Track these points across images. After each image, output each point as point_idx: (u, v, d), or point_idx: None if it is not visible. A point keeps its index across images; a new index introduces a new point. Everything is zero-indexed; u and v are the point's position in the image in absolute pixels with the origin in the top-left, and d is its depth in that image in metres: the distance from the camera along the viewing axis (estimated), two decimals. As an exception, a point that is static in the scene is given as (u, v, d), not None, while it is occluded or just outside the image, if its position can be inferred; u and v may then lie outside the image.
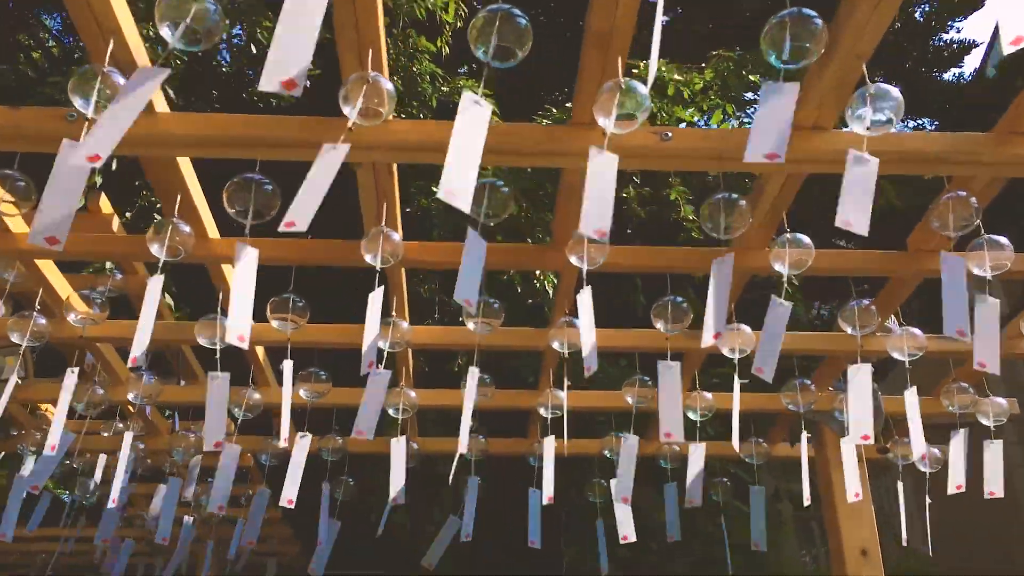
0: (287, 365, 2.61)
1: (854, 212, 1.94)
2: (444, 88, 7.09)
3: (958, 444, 3.08)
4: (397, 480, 2.79)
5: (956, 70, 10.63)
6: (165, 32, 1.87)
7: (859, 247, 7.16)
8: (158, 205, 5.74)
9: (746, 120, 8.78)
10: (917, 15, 11.61)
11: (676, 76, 6.69)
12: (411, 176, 6.39)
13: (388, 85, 2.07)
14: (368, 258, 2.55)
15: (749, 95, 8.85)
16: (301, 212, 1.90)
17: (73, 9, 2.01)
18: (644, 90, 2.09)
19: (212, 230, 2.78)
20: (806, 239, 2.56)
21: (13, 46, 7.44)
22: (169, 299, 5.61)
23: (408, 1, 6.77)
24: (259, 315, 2.79)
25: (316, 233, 3.12)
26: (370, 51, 2.09)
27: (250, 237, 2.82)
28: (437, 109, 6.80)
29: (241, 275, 2.12)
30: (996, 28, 12.88)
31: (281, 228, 1.89)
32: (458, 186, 1.80)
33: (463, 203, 1.77)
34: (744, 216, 2.40)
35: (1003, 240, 2.50)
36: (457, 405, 3.31)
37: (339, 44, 2.15)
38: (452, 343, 3.31)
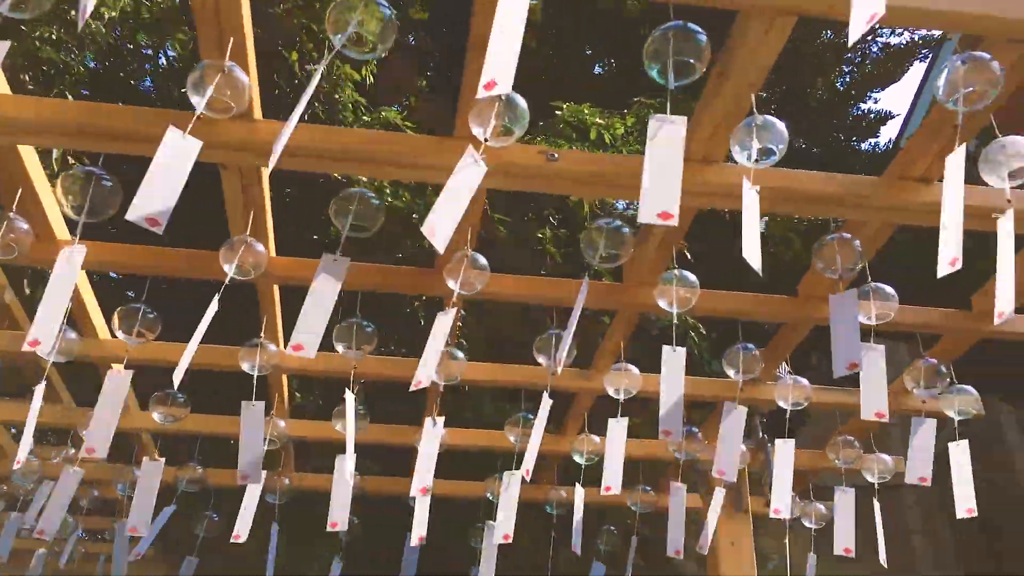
0: (115, 376, 2.36)
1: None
2: (366, 118, 6.95)
3: (844, 504, 2.95)
4: (244, 520, 2.56)
5: (873, 140, 10.91)
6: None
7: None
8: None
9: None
10: (839, 85, 11.96)
11: (598, 120, 6.68)
12: (315, 201, 6.19)
13: (244, 78, 1.90)
14: (226, 268, 2.34)
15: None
16: (149, 203, 1.71)
17: None
18: (523, 104, 1.98)
19: (61, 230, 2.54)
20: (692, 277, 2.46)
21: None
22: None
23: (336, 28, 6.63)
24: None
25: (193, 243, 2.92)
26: (231, 40, 1.93)
27: (107, 242, 2.60)
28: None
29: (58, 279, 1.90)
30: (913, 101, 13.32)
31: (130, 216, 1.69)
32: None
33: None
34: (627, 245, 2.28)
35: (889, 289, 2.44)
36: (336, 438, 3.10)
37: (199, 37, 1.98)
38: (327, 370, 3.10)
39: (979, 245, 2.15)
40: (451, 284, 2.42)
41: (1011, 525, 6.79)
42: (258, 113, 2.22)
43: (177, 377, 1.91)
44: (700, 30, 1.82)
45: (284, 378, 3.22)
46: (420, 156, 2.22)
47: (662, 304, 2.47)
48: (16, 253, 2.21)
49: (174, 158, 1.71)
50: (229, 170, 2.33)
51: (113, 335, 2.60)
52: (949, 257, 1.47)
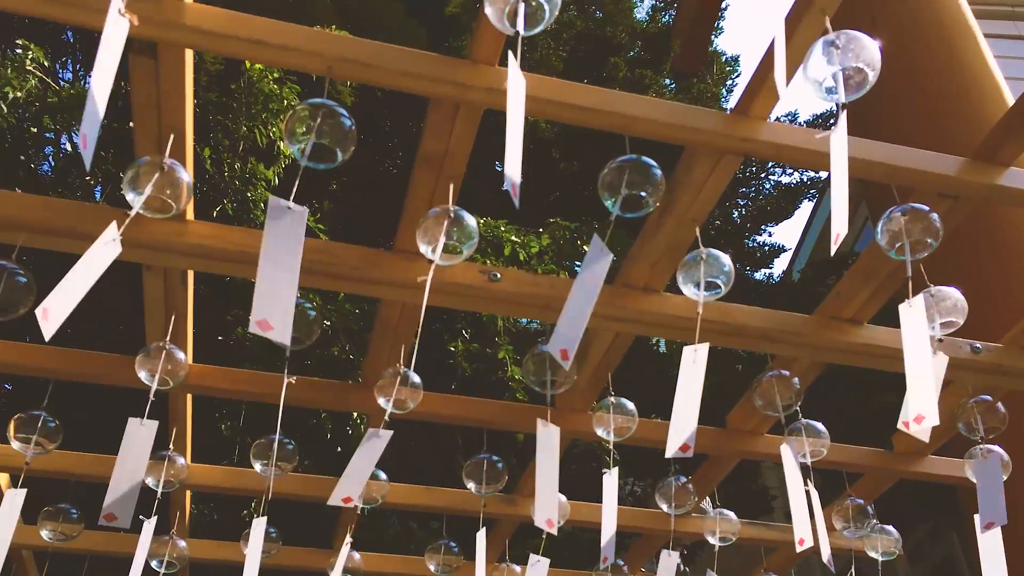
0: (10, 496, 2.12)
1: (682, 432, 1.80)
2: (278, 217, 6.85)
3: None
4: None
5: (766, 270, 11.39)
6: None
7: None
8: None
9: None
10: (735, 216, 12.56)
11: (514, 237, 6.76)
12: (229, 302, 5.98)
13: (186, 177, 1.81)
14: (143, 376, 2.18)
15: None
16: (57, 307, 1.57)
17: None
18: (473, 224, 1.94)
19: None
20: (630, 405, 2.43)
21: None
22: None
23: (250, 126, 6.60)
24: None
25: (98, 344, 2.71)
26: (171, 137, 1.85)
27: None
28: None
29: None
30: (801, 237, 14.05)
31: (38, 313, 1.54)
32: (275, 318, 1.54)
33: (282, 335, 1.52)
34: (569, 373, 2.24)
35: (820, 427, 2.45)
36: (239, 561, 2.87)
37: (136, 127, 1.89)
38: (239, 487, 2.90)
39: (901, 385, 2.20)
40: (382, 402, 2.31)
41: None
42: (190, 213, 2.12)
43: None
44: (654, 164, 1.85)
45: (188, 495, 2.99)
46: (361, 269, 2.15)
47: (599, 432, 2.42)
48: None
49: (95, 260, 1.58)
50: (153, 271, 2.20)
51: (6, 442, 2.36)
52: (915, 413, 1.46)
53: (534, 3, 1.43)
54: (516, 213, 7.63)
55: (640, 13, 12.38)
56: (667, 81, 11.78)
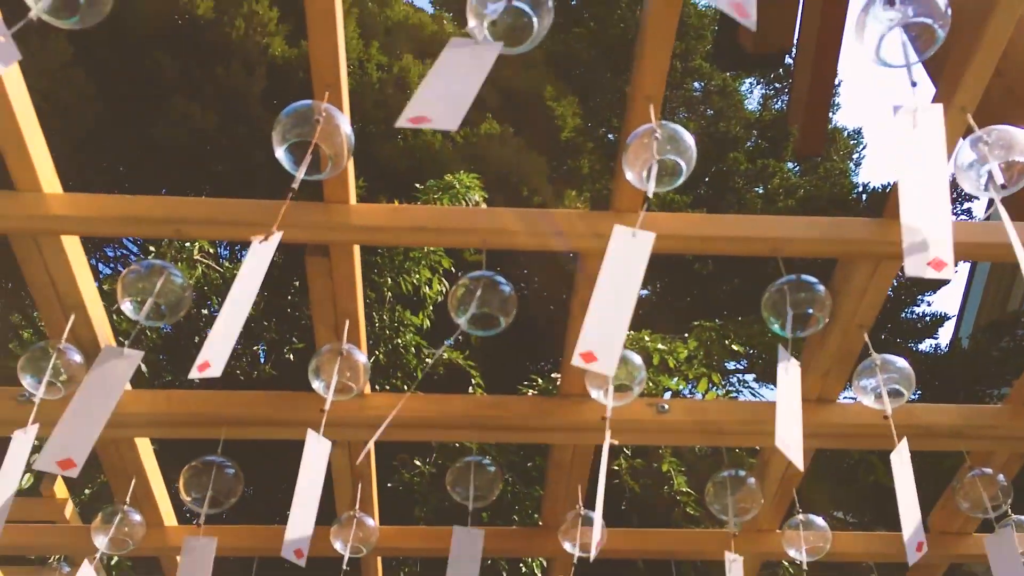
0: None
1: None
2: (428, 360, 7.08)
3: None
4: None
5: (932, 341, 10.76)
6: (127, 308, 1.76)
7: (861, 527, 6.78)
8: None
9: (732, 390, 8.78)
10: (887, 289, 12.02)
11: (660, 346, 6.71)
12: (393, 448, 6.16)
13: (362, 358, 1.94)
14: (338, 546, 2.28)
15: (732, 364, 8.93)
16: (299, 532, 1.72)
17: (33, 284, 1.91)
18: (639, 360, 1.97)
19: (169, 517, 2.52)
20: (820, 521, 2.33)
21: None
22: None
23: (395, 275, 6.94)
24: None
25: (280, 517, 2.86)
26: (347, 323, 1.99)
27: (206, 524, 2.57)
28: (421, 381, 6.74)
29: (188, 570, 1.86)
30: (962, 302, 13.28)
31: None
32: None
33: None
34: (755, 496, 2.18)
35: (1038, 521, 2.27)
36: None
37: (314, 317, 2.05)
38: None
39: None
40: (567, 547, 2.31)
41: None
42: (367, 387, 2.25)
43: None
44: (815, 280, 1.83)
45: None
46: (531, 419, 2.21)
47: (791, 552, 2.33)
48: (130, 547, 2.18)
49: (315, 459, 1.72)
50: (338, 445, 2.32)
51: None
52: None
53: (671, 160, 1.49)
54: (657, 321, 7.60)
55: (751, 104, 12.40)
56: (790, 165, 11.66)
